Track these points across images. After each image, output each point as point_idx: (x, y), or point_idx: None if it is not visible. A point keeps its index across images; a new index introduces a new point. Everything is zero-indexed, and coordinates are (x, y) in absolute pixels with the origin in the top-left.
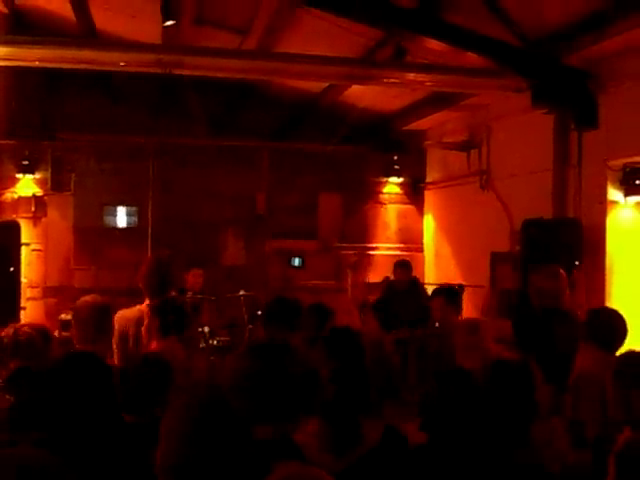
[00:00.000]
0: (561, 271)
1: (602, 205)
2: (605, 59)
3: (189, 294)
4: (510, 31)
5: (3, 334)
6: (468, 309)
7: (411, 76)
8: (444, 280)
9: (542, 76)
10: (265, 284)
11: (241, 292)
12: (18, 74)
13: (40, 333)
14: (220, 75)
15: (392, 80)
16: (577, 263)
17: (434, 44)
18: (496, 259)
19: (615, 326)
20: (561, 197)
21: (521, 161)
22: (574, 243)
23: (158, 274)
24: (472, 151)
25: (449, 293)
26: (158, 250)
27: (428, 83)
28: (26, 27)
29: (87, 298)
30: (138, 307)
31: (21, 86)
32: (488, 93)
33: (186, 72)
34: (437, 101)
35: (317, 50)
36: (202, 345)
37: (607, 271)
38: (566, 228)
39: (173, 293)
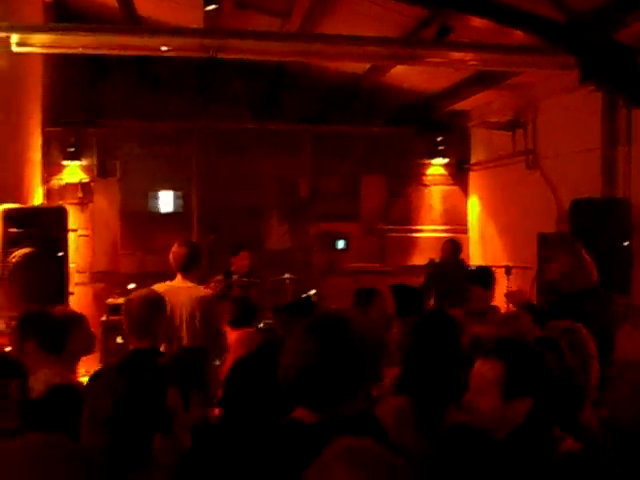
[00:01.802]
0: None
1: None
2: None
3: (235, 277)
4: (557, 6)
5: None
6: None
7: (456, 55)
8: (489, 262)
9: (590, 53)
10: (309, 267)
11: (286, 275)
12: (63, 62)
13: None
14: (263, 58)
15: (436, 60)
16: (626, 243)
17: (479, 22)
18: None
19: None
20: (610, 176)
21: (568, 140)
22: (623, 223)
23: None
24: (517, 131)
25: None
26: (203, 234)
27: (473, 62)
28: (69, 15)
29: (141, 292)
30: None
31: (66, 74)
32: (534, 71)
33: (229, 56)
34: (482, 81)
35: (359, 31)
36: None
37: None
38: (616, 208)
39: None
